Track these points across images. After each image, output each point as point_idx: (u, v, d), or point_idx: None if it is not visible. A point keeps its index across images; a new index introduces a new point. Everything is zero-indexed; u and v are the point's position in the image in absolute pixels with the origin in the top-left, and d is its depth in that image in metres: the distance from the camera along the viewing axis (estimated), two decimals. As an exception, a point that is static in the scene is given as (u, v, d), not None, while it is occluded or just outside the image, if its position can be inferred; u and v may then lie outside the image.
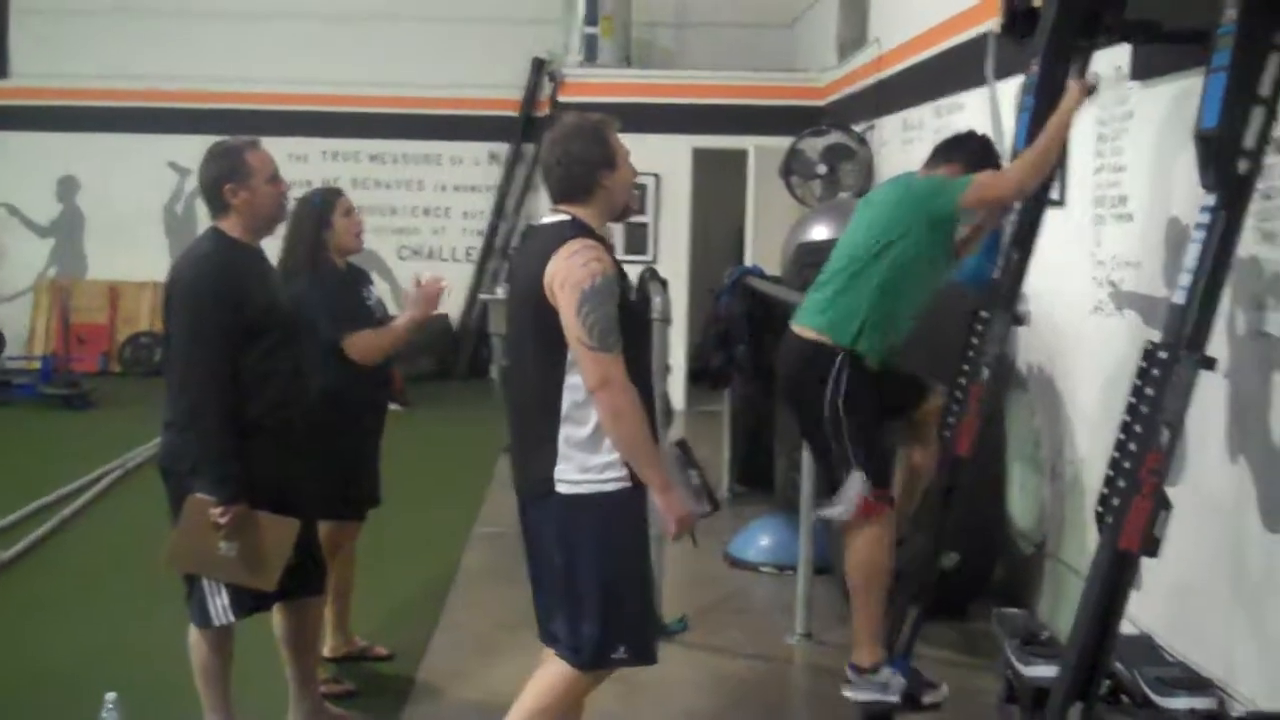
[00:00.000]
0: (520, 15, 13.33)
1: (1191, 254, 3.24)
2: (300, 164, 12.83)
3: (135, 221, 13.81)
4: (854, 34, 10.45)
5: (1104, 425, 5.30)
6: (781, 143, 10.17)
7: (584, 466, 3.57)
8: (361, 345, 4.88)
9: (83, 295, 13.77)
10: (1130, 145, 5.23)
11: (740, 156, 11.54)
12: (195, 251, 4.26)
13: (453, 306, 13.44)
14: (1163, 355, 3.20)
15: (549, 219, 3.72)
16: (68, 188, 14.07)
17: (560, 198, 3.70)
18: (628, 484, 3.60)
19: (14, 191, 14.00)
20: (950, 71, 7.71)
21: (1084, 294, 5.57)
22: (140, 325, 13.69)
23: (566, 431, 3.58)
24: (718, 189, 12.23)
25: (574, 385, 3.57)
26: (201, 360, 4.07)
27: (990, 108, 6.96)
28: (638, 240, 12.27)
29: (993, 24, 6.63)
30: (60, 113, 13.68)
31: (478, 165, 13.88)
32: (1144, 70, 5.04)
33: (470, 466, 8.96)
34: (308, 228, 4.94)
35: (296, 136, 12.97)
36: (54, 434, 10.65)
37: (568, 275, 3.49)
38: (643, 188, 12.28)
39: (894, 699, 4.55)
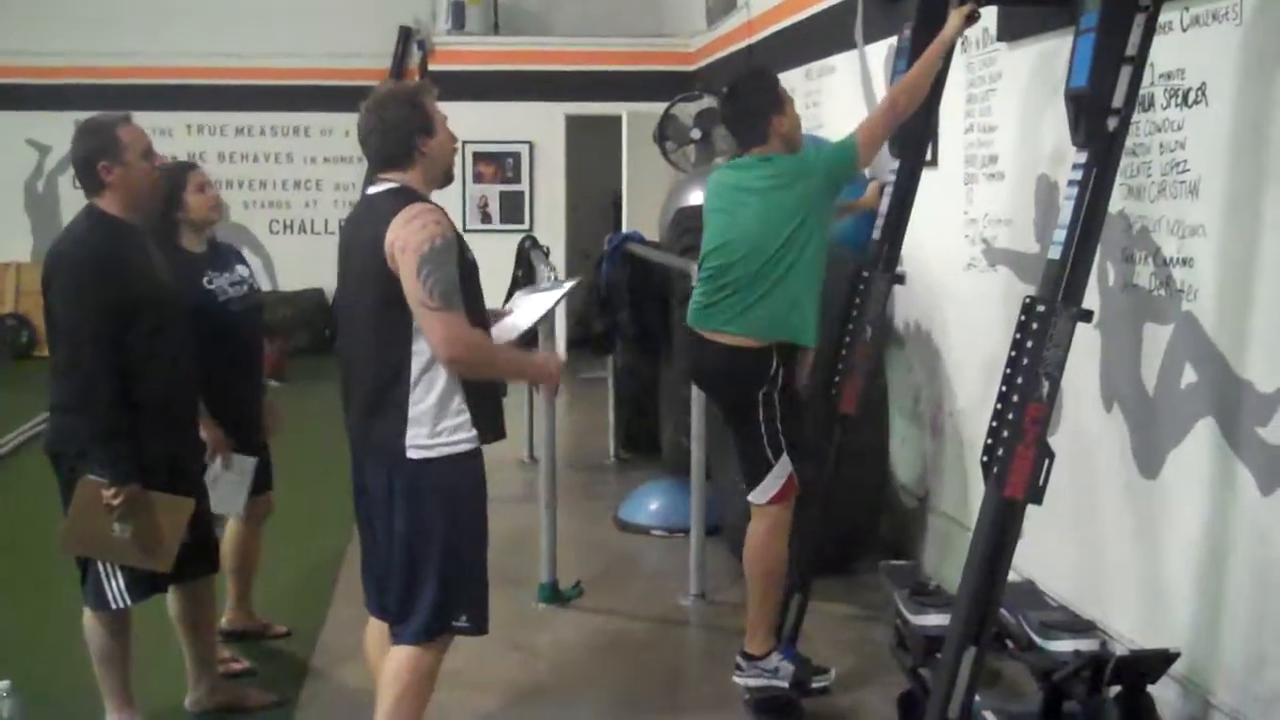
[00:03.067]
0: (388, -19, 13.19)
1: (1065, 210, 3.35)
2: (165, 139, 12.58)
3: (-4, 202, 13.45)
4: (723, -1, 10.53)
5: (981, 379, 5.46)
6: (655, 108, 10.21)
7: (434, 430, 3.58)
8: None
9: (-58, 278, 13.41)
10: (999, 106, 5.36)
11: (614, 123, 11.57)
12: (74, 231, 4.17)
13: (327, 280, 13.30)
14: (1041, 309, 3.30)
15: (378, 188, 3.67)
16: (-80, 168, 13.66)
17: (381, 165, 3.68)
18: (475, 444, 3.65)
19: None
20: (820, 35, 7.81)
21: (957, 251, 5.70)
22: (5, 307, 13.36)
23: (415, 397, 3.57)
24: (592, 156, 12.26)
25: (421, 350, 3.56)
26: (88, 340, 3.99)
27: (860, 71, 7.08)
28: (514, 209, 12.27)
29: (862, -13, 6.76)
30: (-89, 90, 13.28)
31: (348, 136, 13.50)
32: (1010, 32, 5.17)
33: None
34: (157, 204, 4.64)
35: (160, 111, 12.70)
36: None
37: (407, 240, 3.47)
38: (515, 156, 12.31)
39: (784, 684, 4.60)
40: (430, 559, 3.62)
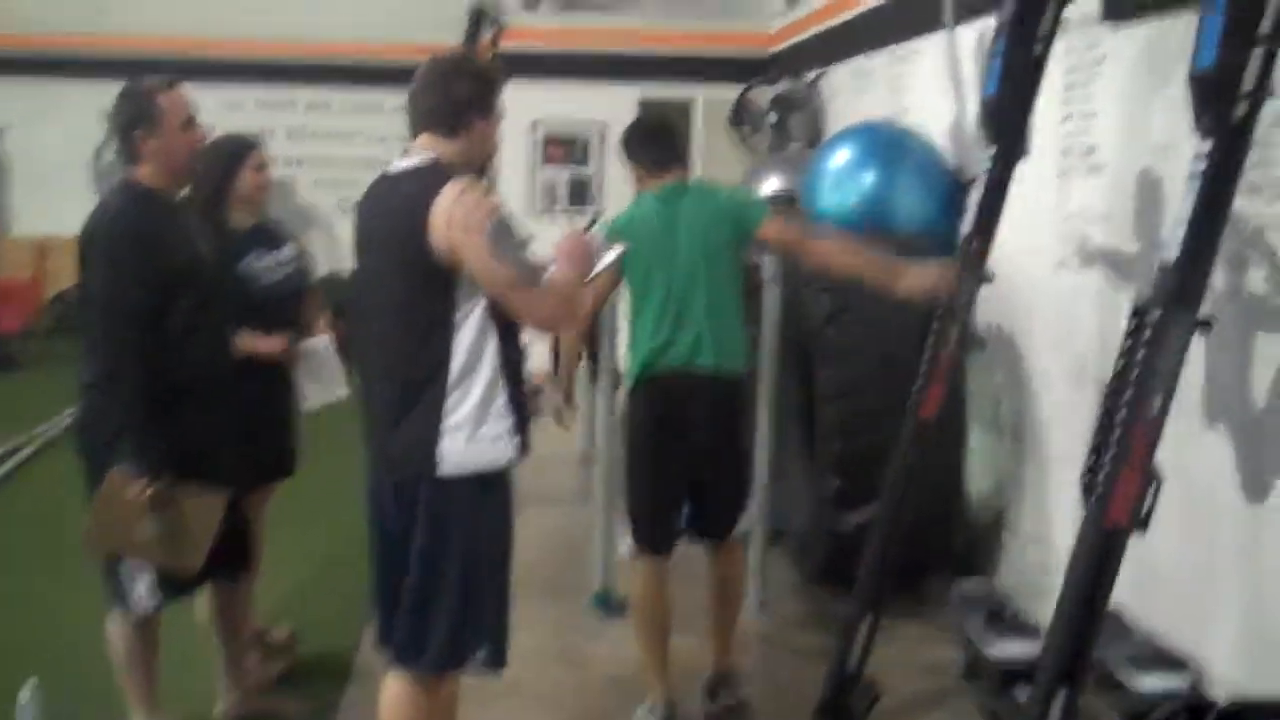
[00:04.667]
0: (461, -41, 12.89)
1: (1185, 206, 3.01)
2: (235, 113, 12.39)
3: (64, 174, 13.17)
4: (804, -21, 10.19)
5: (1068, 386, 5.12)
6: (730, 92, 9.93)
7: (473, 438, 3.24)
8: None
9: (8, 251, 13.26)
10: (1101, 92, 4.98)
11: (688, 107, 11.27)
12: (109, 205, 3.93)
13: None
14: (1155, 316, 2.97)
15: (409, 162, 3.35)
16: (-8, 137, 13.56)
17: (426, 125, 3.36)
18: (515, 456, 3.34)
19: (-67, 141, 13.47)
20: (905, 16, 7.44)
21: (1047, 249, 5.33)
22: (69, 282, 13.24)
23: (452, 402, 3.23)
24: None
25: (462, 347, 3.23)
26: (120, 320, 3.75)
27: (948, 54, 6.71)
28: (582, 192, 12.00)
29: (953, -34, 6.41)
30: (-15, 59, 13.17)
31: (420, 114, 13.43)
32: (1116, 11, 4.79)
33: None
34: (212, 177, 4.46)
35: (232, 84, 12.51)
36: (-26, 396, 10.24)
37: (468, 219, 3.13)
38: (586, 139, 12.05)
39: None
40: (450, 583, 3.29)
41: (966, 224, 4.38)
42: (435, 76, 3.39)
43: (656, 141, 4.74)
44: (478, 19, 12.75)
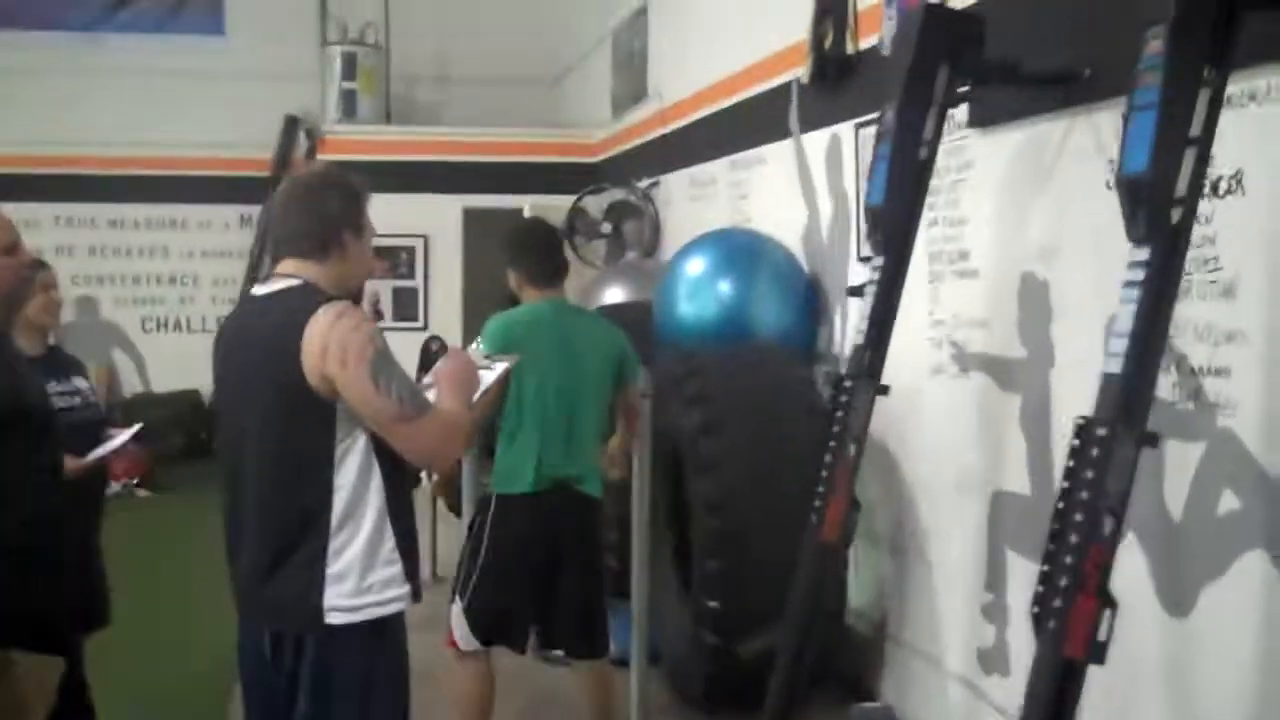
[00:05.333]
0: (273, 71, 12.49)
1: (1124, 317, 2.86)
2: (32, 231, 11.73)
3: None
4: (631, 88, 10.10)
5: (951, 494, 4.99)
6: (557, 201, 9.78)
7: (361, 586, 2.95)
8: None
9: None
10: (970, 198, 4.91)
11: (514, 216, 11.06)
12: None
13: (204, 380, 12.51)
14: (1101, 433, 2.81)
15: (275, 285, 3.06)
16: None
17: (292, 248, 3.08)
18: (406, 602, 3.06)
19: None
20: (747, 124, 7.37)
21: (921, 356, 5.21)
22: None
23: (337, 546, 2.94)
24: (491, 250, 11.71)
25: (345, 484, 2.94)
26: None
27: (796, 160, 6.63)
28: (407, 305, 11.67)
29: (799, 73, 6.34)
30: None
31: (229, 229, 12.89)
32: (982, 118, 4.74)
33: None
34: None
35: (26, 201, 11.85)
36: None
37: (346, 346, 2.86)
38: (409, 250, 11.75)
39: None
40: None
41: (859, 334, 4.22)
42: (299, 195, 3.13)
43: (549, 253, 4.76)
44: (292, 129, 12.39)
